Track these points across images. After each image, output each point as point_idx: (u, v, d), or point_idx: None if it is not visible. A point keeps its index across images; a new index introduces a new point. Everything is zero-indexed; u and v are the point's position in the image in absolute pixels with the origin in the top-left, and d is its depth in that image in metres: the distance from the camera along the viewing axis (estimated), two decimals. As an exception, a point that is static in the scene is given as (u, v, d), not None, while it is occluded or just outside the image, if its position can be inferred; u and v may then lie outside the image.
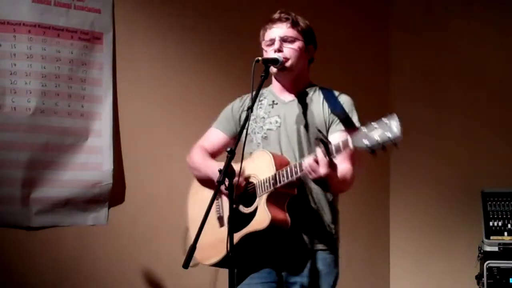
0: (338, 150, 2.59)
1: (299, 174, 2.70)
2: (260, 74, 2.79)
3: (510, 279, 4.03)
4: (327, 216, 2.90)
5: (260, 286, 2.87)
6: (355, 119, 2.88)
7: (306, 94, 2.96)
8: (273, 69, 2.88)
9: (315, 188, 2.85)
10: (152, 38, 4.04)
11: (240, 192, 2.82)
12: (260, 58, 2.81)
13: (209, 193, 2.86)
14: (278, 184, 2.74)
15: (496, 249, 4.08)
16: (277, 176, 2.74)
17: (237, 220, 2.75)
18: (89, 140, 3.78)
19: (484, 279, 4.04)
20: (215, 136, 3.08)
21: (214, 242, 2.86)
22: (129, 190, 3.92)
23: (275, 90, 3.02)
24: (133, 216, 3.90)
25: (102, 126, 3.82)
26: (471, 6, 4.85)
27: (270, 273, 2.88)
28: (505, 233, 4.13)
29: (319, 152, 2.60)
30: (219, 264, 2.93)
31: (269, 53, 2.90)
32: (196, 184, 3.07)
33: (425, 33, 5.00)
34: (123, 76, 3.90)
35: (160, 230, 3.91)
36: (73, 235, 3.74)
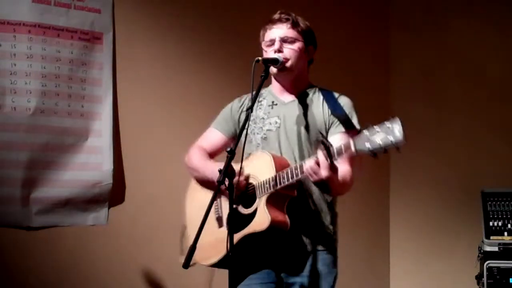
0: (339, 153, 2.59)
1: (299, 176, 2.70)
2: (260, 74, 2.79)
3: (510, 279, 4.03)
4: (325, 217, 2.90)
5: (259, 287, 2.87)
6: (355, 121, 2.88)
7: (307, 95, 2.96)
8: (273, 70, 2.88)
9: (314, 189, 2.85)
10: (152, 38, 4.04)
11: (240, 192, 2.81)
12: (260, 58, 2.81)
13: (207, 193, 2.88)
14: (279, 186, 2.74)
15: (496, 249, 4.08)
16: (277, 177, 2.74)
17: (236, 221, 2.75)
18: (89, 140, 3.78)
19: (484, 279, 4.04)
20: (214, 136, 3.07)
21: (213, 242, 2.85)
22: (129, 190, 3.92)
23: (274, 90, 3.01)
24: (133, 216, 3.90)
25: (102, 126, 3.82)
26: (471, 6, 4.85)
27: (269, 274, 2.88)
28: (505, 233, 4.13)
29: (321, 154, 2.60)
30: (217, 265, 2.92)
31: (269, 53, 2.89)
32: (193, 184, 3.06)
33: (425, 33, 5.00)
34: (123, 76, 3.90)
35: (160, 230, 3.91)
36: (73, 235, 3.74)
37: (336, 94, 2.96)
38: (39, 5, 3.63)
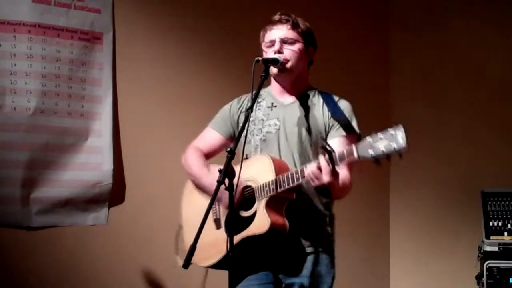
0: (342, 158, 2.60)
1: (300, 180, 2.70)
2: (260, 74, 2.79)
3: (510, 279, 4.03)
4: (323, 219, 2.90)
5: (258, 287, 2.87)
6: (354, 124, 2.88)
7: (307, 96, 2.96)
8: (273, 71, 2.87)
9: (311, 192, 2.84)
10: (152, 38, 4.04)
11: (238, 200, 2.82)
12: (260, 58, 2.81)
13: (203, 194, 2.90)
14: (279, 190, 2.74)
15: (496, 249, 4.08)
16: (277, 181, 2.74)
17: (235, 223, 2.75)
18: (89, 140, 3.78)
19: (484, 279, 4.04)
20: (211, 136, 3.07)
21: (211, 244, 2.85)
22: (129, 190, 3.92)
23: (274, 91, 3.00)
24: (133, 216, 3.90)
25: (102, 126, 3.82)
26: (471, 6, 4.85)
27: (267, 275, 2.87)
28: (505, 233, 4.13)
29: (322, 159, 2.60)
30: (215, 266, 2.92)
31: (269, 54, 2.89)
32: (190, 185, 3.06)
33: (425, 33, 5.00)
34: (123, 76, 3.90)
35: (160, 230, 3.90)
36: (73, 235, 3.74)
37: (335, 98, 2.96)
38: (39, 5, 3.63)
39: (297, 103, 2.94)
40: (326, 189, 2.70)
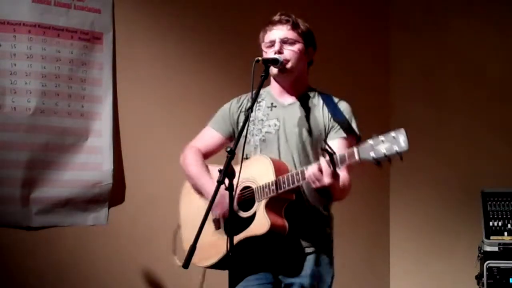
0: (343, 160, 2.60)
1: (301, 182, 2.70)
2: (260, 74, 2.79)
3: (510, 279, 4.03)
4: (321, 219, 2.90)
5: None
6: (354, 126, 2.89)
7: (308, 97, 2.96)
8: (273, 71, 2.87)
9: (309, 192, 2.84)
10: (152, 38, 4.04)
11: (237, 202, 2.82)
12: (260, 58, 2.81)
13: (202, 196, 2.90)
14: (279, 191, 2.74)
15: (496, 249, 4.08)
16: (277, 182, 2.74)
17: (235, 224, 2.75)
18: (89, 140, 3.78)
19: (484, 279, 4.04)
20: (210, 136, 3.06)
21: (210, 244, 2.86)
22: (129, 190, 3.92)
23: (274, 92, 3.00)
24: (133, 216, 3.90)
25: (102, 126, 3.82)
26: (471, 6, 4.85)
27: (266, 275, 2.87)
28: (505, 233, 4.13)
29: (323, 161, 2.60)
30: (214, 266, 2.92)
31: (269, 54, 2.88)
32: (188, 185, 3.06)
33: (425, 33, 5.00)
34: (123, 76, 3.90)
35: (160, 230, 3.90)
36: (73, 235, 3.74)
37: (335, 99, 2.96)
38: (39, 5, 3.63)
39: (298, 103, 2.94)
40: (326, 191, 2.70)
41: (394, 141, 2.47)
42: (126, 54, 3.91)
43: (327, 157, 2.59)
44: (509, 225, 4.15)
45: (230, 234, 2.57)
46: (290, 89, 2.96)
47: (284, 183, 2.73)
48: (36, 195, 3.61)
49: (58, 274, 3.69)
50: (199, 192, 2.96)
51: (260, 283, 2.86)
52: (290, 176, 2.72)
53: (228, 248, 2.55)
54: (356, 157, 2.55)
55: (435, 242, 4.87)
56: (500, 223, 4.16)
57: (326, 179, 2.61)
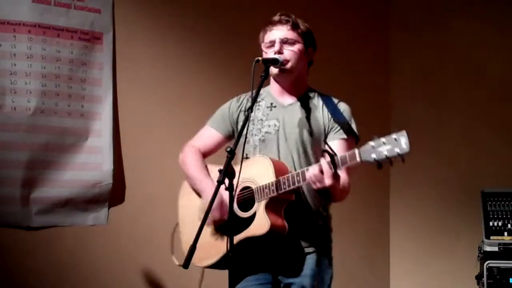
0: (344, 162, 2.60)
1: (301, 183, 2.70)
2: (260, 74, 2.78)
3: (510, 279, 4.03)
4: (320, 219, 2.90)
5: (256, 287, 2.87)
6: (354, 127, 2.89)
7: (308, 98, 2.96)
8: (273, 71, 2.87)
9: (308, 193, 2.84)
10: (152, 38, 4.04)
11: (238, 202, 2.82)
12: (260, 58, 2.81)
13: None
14: (279, 192, 2.74)
15: (496, 249, 4.08)
16: (278, 183, 2.74)
17: (234, 224, 2.75)
18: (89, 140, 3.78)
19: (484, 279, 4.05)
20: (210, 135, 3.06)
21: (210, 244, 2.86)
22: (129, 190, 3.92)
23: (273, 92, 3.00)
24: (133, 216, 3.90)
25: (102, 126, 3.82)
26: (471, 6, 4.86)
27: (265, 275, 2.88)
28: (505, 233, 4.13)
29: (324, 162, 2.61)
30: (214, 266, 2.92)
31: (269, 54, 2.89)
32: (187, 185, 3.06)
33: (425, 33, 5.00)
34: (123, 76, 3.90)
35: (160, 230, 3.89)
36: (73, 235, 3.74)
37: (335, 100, 2.96)
38: (39, 5, 3.63)
39: (298, 104, 2.94)
40: (326, 192, 2.70)
41: (395, 143, 2.47)
42: (126, 54, 3.91)
43: (328, 158, 2.59)
44: (509, 225, 4.15)
45: (230, 234, 2.57)
46: (290, 89, 2.96)
47: (284, 183, 2.73)
48: (36, 195, 3.61)
49: (58, 274, 3.69)
50: (197, 194, 2.96)
51: (260, 283, 2.87)
52: (290, 177, 2.72)
53: (228, 248, 2.55)
54: (358, 158, 2.56)
55: (435, 242, 4.87)
56: (500, 223, 4.16)
57: (327, 180, 2.61)
